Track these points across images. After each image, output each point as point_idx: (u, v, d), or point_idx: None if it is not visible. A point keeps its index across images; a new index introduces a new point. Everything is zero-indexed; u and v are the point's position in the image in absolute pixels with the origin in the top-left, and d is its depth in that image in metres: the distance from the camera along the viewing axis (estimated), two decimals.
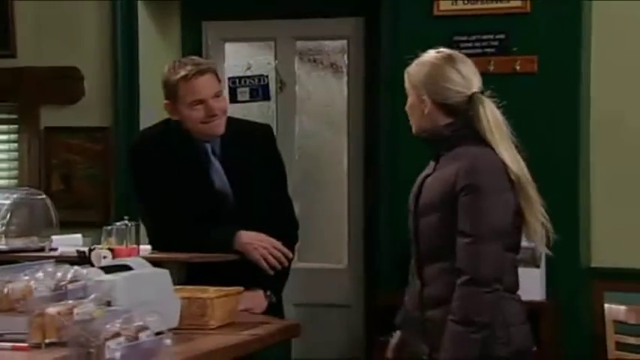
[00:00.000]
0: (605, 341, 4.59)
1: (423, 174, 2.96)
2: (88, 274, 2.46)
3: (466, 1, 4.65)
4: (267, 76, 5.25)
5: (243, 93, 5.26)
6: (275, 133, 5.13)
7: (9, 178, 5.41)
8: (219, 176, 3.59)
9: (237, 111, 5.17)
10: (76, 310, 2.23)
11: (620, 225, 4.70)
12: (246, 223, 3.52)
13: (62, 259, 2.94)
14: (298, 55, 5.26)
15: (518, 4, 4.58)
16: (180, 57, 5.21)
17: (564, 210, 4.49)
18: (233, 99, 5.26)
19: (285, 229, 3.62)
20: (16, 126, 5.37)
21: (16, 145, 5.38)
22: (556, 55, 4.54)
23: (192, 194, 3.54)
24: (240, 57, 5.32)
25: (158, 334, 2.45)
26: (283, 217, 3.66)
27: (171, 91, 3.52)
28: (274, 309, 3.60)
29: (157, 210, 3.50)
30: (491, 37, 4.61)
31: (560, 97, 4.54)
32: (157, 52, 5.14)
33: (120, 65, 5.06)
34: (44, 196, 3.41)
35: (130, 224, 3.05)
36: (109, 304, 2.46)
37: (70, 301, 2.30)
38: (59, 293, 2.36)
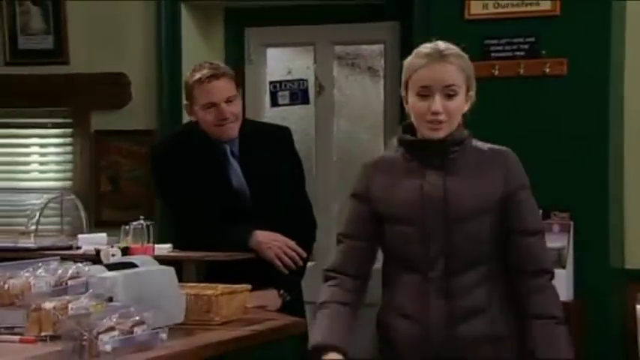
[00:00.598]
0: (637, 343, 4.62)
1: (433, 181, 2.71)
2: (90, 271, 2.62)
3: (496, 5, 4.71)
4: (306, 80, 5.38)
5: (284, 97, 5.41)
6: (314, 136, 5.35)
7: (64, 179, 5.64)
8: (236, 176, 3.74)
9: (277, 114, 5.36)
10: (70, 305, 2.39)
11: None
12: (262, 223, 3.66)
13: (84, 257, 3.13)
14: (337, 60, 5.38)
15: (548, 7, 4.62)
16: (223, 62, 5.42)
17: (594, 211, 4.55)
18: (274, 103, 5.43)
19: (302, 229, 3.75)
20: (70, 130, 5.61)
21: (70, 148, 5.61)
22: (585, 57, 4.56)
23: (210, 193, 3.70)
24: (281, 62, 5.47)
25: (158, 328, 2.62)
26: (300, 217, 3.79)
27: (189, 92, 3.71)
28: (295, 307, 3.72)
29: (177, 208, 3.68)
30: (521, 40, 4.66)
31: (589, 99, 4.55)
32: (200, 58, 5.24)
33: (164, 71, 5.25)
34: (74, 197, 3.58)
35: (145, 224, 3.20)
36: (110, 299, 2.62)
37: (67, 297, 2.46)
38: (59, 289, 2.52)
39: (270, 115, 5.36)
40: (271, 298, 3.61)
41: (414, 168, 2.76)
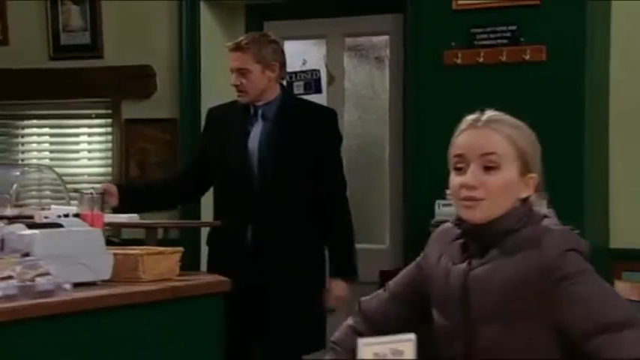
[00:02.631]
0: None
1: (451, 263, 2.30)
2: (7, 229, 3.01)
3: None
4: (318, 71, 5.68)
5: (299, 86, 5.72)
6: None
7: (106, 166, 6.11)
8: (254, 139, 4.20)
9: None
10: None
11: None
12: (265, 189, 4.14)
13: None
14: (347, 51, 5.66)
15: None
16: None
17: (570, 194, 4.70)
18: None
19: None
20: (110, 120, 6.08)
21: (110, 137, 6.08)
22: (563, 44, 4.75)
23: (227, 146, 4.22)
24: (298, 53, 5.77)
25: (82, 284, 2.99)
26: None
27: None
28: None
29: None
30: (504, 28, 4.87)
31: (567, 83, 4.74)
32: (220, 52, 5.61)
33: (184, 64, 5.65)
34: (52, 171, 3.98)
35: (94, 193, 3.56)
36: (27, 254, 3.00)
37: None
38: None
39: None
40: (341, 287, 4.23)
41: (455, 247, 2.34)
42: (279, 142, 4.19)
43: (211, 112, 4.51)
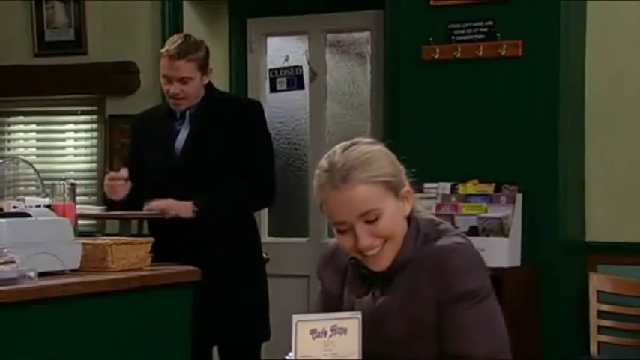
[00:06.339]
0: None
1: (355, 296, 2.26)
2: None
3: None
4: (301, 67, 5.71)
5: (281, 83, 5.75)
6: (308, 119, 5.69)
7: (91, 162, 6.16)
8: (181, 138, 4.12)
9: (276, 99, 5.73)
10: None
11: (615, 200, 4.92)
12: (190, 182, 4.03)
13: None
14: (328, 47, 5.70)
15: None
16: (227, 52, 5.84)
17: (545, 189, 4.75)
18: (273, 88, 5.77)
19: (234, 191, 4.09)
20: (96, 116, 6.13)
21: (96, 133, 6.13)
22: (539, 40, 4.78)
23: (154, 154, 4.13)
24: (280, 50, 5.81)
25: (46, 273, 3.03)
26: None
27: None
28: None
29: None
30: (481, 24, 4.91)
31: (542, 78, 4.78)
32: None
33: None
34: (29, 165, 4.02)
35: (64, 184, 3.59)
36: None
37: None
38: None
39: (270, 100, 5.73)
40: (183, 207, 3.93)
41: (355, 278, 2.29)
42: (206, 142, 4.10)
43: (135, 120, 4.46)
